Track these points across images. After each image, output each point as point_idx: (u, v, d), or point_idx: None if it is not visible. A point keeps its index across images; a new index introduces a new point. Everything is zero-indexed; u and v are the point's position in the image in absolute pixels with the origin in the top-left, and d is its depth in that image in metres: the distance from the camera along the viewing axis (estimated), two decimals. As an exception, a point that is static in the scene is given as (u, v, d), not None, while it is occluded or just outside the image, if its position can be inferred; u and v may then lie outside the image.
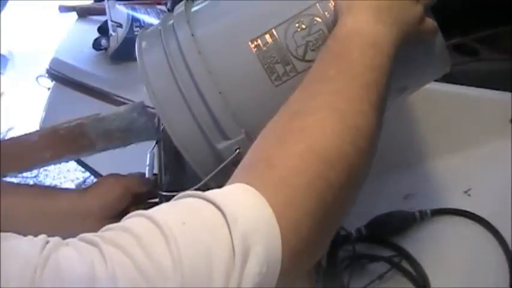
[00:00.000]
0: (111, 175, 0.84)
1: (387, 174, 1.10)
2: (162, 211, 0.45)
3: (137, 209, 0.82)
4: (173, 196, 0.80)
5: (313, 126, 0.50)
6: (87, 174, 2.54)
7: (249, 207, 0.44)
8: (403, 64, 0.60)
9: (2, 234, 0.39)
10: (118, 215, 0.81)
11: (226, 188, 0.48)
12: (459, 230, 0.97)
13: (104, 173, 1.69)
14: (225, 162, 0.67)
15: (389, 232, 1.00)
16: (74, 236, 0.82)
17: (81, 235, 0.44)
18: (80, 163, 1.70)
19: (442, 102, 1.06)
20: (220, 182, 0.73)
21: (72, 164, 2.04)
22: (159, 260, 0.39)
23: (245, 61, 0.66)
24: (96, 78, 1.50)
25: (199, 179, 0.98)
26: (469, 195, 1.01)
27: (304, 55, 0.64)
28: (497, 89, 1.05)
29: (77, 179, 2.97)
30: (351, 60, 0.52)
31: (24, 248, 0.39)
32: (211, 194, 0.46)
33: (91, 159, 1.70)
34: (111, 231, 0.44)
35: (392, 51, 0.55)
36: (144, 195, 0.82)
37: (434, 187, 1.05)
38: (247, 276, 0.40)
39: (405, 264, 0.95)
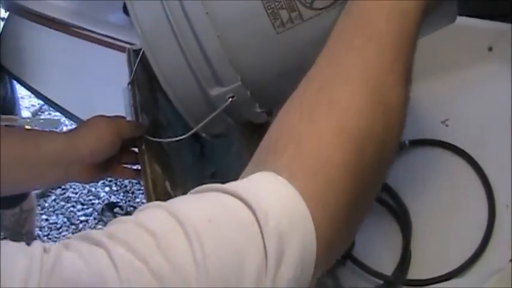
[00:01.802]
0: (101, 119, 0.77)
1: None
2: (183, 204, 0.39)
3: (128, 154, 0.80)
4: (159, 142, 0.78)
5: (342, 101, 0.44)
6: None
7: (280, 201, 0.39)
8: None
9: None
10: (106, 162, 0.78)
11: (253, 178, 0.42)
12: (438, 161, 0.97)
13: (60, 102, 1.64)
14: (217, 111, 0.63)
15: (368, 164, 1.00)
16: (59, 181, 0.79)
17: (85, 232, 0.37)
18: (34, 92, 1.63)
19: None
20: (210, 131, 0.71)
21: (26, 92, 1.95)
22: (181, 263, 0.34)
23: (247, 4, 0.61)
24: (56, 7, 1.40)
25: (179, 123, 0.95)
26: (446, 125, 1.01)
27: (312, 2, 0.59)
28: (476, 17, 1.02)
29: (33, 106, 2.87)
30: (378, 29, 0.47)
31: (20, 266, 0.32)
32: (235, 187, 0.40)
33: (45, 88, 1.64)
34: (121, 224, 0.37)
35: (419, 17, 0.50)
36: (130, 140, 0.78)
37: (412, 117, 1.03)
38: (281, 279, 0.35)
39: (385, 197, 0.95)
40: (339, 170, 0.42)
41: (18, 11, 1.40)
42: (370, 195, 0.48)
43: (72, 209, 2.18)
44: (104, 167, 0.78)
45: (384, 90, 0.46)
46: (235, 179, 0.43)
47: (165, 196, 0.69)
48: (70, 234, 1.98)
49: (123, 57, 0.95)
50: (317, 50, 0.61)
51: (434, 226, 0.90)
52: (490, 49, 1.02)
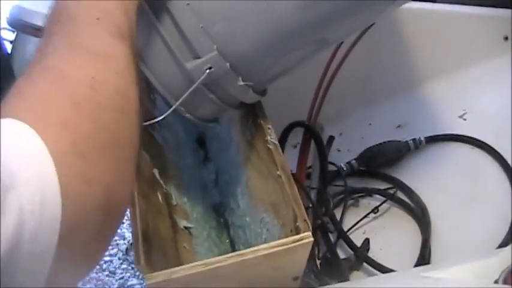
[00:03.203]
0: None
1: (377, 104, 1.04)
2: None
3: None
4: (151, 134, 0.75)
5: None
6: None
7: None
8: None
9: None
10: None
11: None
12: (456, 156, 0.91)
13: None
14: (196, 83, 0.60)
15: (382, 164, 0.94)
16: None
17: None
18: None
19: (432, 23, 0.99)
20: (198, 113, 0.67)
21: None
22: None
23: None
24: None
25: (180, 126, 0.92)
26: (464, 119, 0.95)
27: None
28: (490, 6, 0.97)
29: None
30: None
31: None
32: None
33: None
34: None
35: None
36: None
37: (428, 114, 0.99)
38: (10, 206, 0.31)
39: (401, 196, 0.89)
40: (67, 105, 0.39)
41: (24, 29, 1.40)
42: (120, 135, 0.43)
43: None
44: None
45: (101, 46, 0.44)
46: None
47: (150, 180, 0.65)
48: (94, 274, 1.94)
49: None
50: (294, 21, 0.58)
51: (455, 222, 0.83)
52: (506, 38, 0.97)
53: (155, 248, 0.56)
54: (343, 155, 1.00)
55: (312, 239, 0.53)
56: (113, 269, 2.12)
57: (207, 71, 0.59)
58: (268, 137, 0.65)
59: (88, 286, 2.01)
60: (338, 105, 1.06)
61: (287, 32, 0.59)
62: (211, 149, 0.90)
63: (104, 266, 2.14)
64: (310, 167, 0.89)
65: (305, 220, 0.54)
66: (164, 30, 0.59)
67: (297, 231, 0.55)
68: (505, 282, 0.44)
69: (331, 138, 1.00)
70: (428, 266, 0.76)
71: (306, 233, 0.53)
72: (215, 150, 0.88)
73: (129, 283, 1.97)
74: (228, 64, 0.59)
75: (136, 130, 0.44)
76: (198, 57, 0.59)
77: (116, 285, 2.05)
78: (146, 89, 0.85)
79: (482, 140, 0.89)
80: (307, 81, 0.92)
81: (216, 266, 0.52)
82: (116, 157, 0.40)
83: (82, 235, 0.36)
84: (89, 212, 0.36)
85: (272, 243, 0.53)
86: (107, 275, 2.07)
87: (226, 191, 0.81)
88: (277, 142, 0.64)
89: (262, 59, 0.62)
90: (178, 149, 0.82)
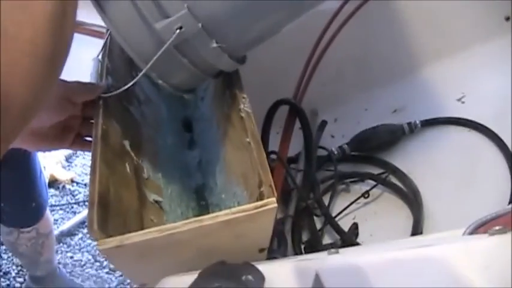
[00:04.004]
0: None
1: (373, 89, 1.00)
2: None
3: (89, 126, 0.72)
4: (126, 108, 0.72)
5: None
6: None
7: None
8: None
9: None
10: (61, 132, 0.70)
11: None
12: (453, 139, 0.87)
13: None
14: (165, 46, 0.57)
15: (375, 148, 0.90)
16: None
17: None
18: None
19: (431, 4, 0.94)
20: (171, 79, 0.64)
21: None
22: None
23: None
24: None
25: (162, 103, 0.89)
26: (462, 102, 0.91)
27: None
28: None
29: None
30: None
31: None
32: None
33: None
34: None
35: None
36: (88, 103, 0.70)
37: (425, 98, 0.94)
38: None
39: (395, 181, 0.85)
40: None
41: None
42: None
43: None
44: (58, 137, 0.70)
45: None
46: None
47: (118, 150, 0.62)
48: (94, 271, 1.91)
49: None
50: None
51: (450, 206, 0.78)
52: (507, 19, 0.93)
53: (114, 216, 0.53)
54: (337, 140, 0.96)
55: (275, 205, 0.49)
56: (113, 267, 2.10)
57: (177, 31, 0.56)
58: (242, 105, 0.61)
59: (87, 283, 2.00)
60: (333, 90, 1.03)
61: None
62: (196, 131, 0.87)
63: (105, 263, 2.12)
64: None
65: (270, 185, 0.51)
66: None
67: (261, 197, 0.51)
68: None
69: (324, 123, 0.96)
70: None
71: (270, 199, 0.49)
72: (200, 131, 0.85)
73: (128, 280, 1.95)
74: (200, 24, 0.56)
75: (42, 31, 0.41)
76: (167, 16, 0.56)
77: (115, 283, 2.03)
78: (128, 65, 0.83)
79: (480, 122, 0.85)
80: (296, 61, 0.89)
81: (172, 232, 0.49)
82: (7, 48, 0.38)
83: None
84: None
85: (233, 209, 0.49)
86: (106, 272, 2.06)
87: (207, 171, 0.78)
88: (250, 110, 0.61)
89: (234, 20, 0.58)
90: (158, 127, 0.79)
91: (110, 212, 0.53)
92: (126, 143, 0.65)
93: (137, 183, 0.64)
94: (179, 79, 0.63)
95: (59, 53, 0.44)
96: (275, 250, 0.68)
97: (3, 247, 2.01)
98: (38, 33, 0.41)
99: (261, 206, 0.49)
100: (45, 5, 0.41)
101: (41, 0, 0.41)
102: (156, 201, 0.66)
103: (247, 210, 0.49)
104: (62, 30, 0.44)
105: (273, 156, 0.80)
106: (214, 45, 0.58)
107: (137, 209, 0.61)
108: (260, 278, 0.36)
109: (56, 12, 0.42)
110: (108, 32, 0.81)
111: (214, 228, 0.49)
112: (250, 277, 0.36)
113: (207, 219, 0.49)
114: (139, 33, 0.59)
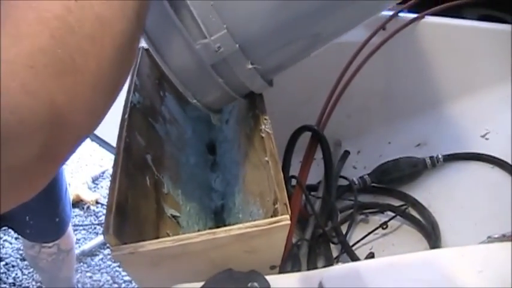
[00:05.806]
0: None
1: (397, 122, 1.00)
2: None
3: None
4: (151, 124, 0.73)
5: None
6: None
7: None
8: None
9: None
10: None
11: None
12: (475, 175, 0.86)
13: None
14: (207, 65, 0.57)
15: (396, 180, 0.89)
16: None
17: None
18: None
19: (457, 39, 0.95)
20: (205, 98, 0.65)
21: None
22: None
23: None
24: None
25: (188, 125, 0.90)
26: (486, 139, 0.90)
27: None
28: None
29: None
30: None
31: None
32: None
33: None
34: None
35: None
36: None
37: (449, 133, 0.94)
38: None
39: (414, 214, 0.84)
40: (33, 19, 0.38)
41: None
42: (87, 60, 0.40)
43: (118, 269, 2.14)
44: None
45: None
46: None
47: (140, 163, 0.63)
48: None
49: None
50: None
51: (469, 242, 0.77)
52: (533, 57, 0.92)
53: (130, 224, 0.54)
54: (359, 172, 0.96)
55: (288, 222, 0.50)
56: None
57: (216, 50, 0.58)
58: (263, 126, 0.63)
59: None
60: (357, 121, 1.03)
61: (297, 13, 0.57)
62: (219, 153, 0.88)
63: (123, 285, 2.13)
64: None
65: (285, 204, 0.51)
66: (173, 9, 0.58)
67: (275, 214, 0.52)
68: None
69: (346, 153, 0.97)
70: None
71: (283, 216, 0.50)
72: (222, 153, 0.87)
73: None
74: (237, 45, 0.58)
75: (108, 64, 0.41)
76: (207, 36, 0.58)
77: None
78: (157, 85, 0.85)
79: (503, 159, 0.84)
80: (321, 90, 0.90)
81: (185, 242, 0.50)
82: (71, 80, 0.38)
83: (21, 151, 0.35)
84: (29, 127, 0.34)
85: (246, 224, 0.50)
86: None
87: (227, 193, 0.79)
88: (271, 131, 0.62)
89: (270, 42, 0.60)
90: (181, 146, 0.81)
91: (127, 220, 0.54)
92: (148, 157, 0.67)
93: (156, 197, 0.65)
94: (212, 98, 0.64)
95: (120, 83, 0.45)
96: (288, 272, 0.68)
97: (25, 262, 2.04)
98: (103, 65, 0.41)
99: (275, 222, 0.50)
100: (115, 39, 0.41)
101: (111, 32, 0.41)
102: (174, 216, 0.67)
103: (260, 225, 0.50)
104: (126, 63, 0.45)
105: (294, 181, 0.80)
106: (250, 66, 0.59)
107: (154, 221, 0.62)
108: (266, 285, 0.37)
109: (124, 43, 0.43)
110: (141, 50, 0.84)
111: (227, 241, 0.50)
112: (256, 284, 0.36)
113: (221, 232, 0.50)
114: (178, 53, 0.60)
